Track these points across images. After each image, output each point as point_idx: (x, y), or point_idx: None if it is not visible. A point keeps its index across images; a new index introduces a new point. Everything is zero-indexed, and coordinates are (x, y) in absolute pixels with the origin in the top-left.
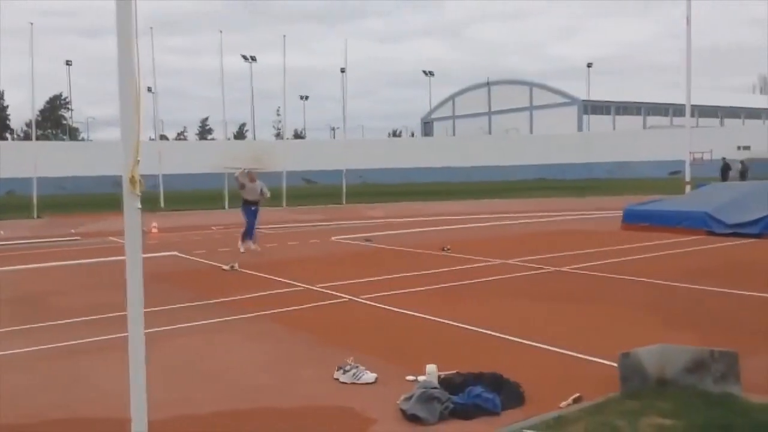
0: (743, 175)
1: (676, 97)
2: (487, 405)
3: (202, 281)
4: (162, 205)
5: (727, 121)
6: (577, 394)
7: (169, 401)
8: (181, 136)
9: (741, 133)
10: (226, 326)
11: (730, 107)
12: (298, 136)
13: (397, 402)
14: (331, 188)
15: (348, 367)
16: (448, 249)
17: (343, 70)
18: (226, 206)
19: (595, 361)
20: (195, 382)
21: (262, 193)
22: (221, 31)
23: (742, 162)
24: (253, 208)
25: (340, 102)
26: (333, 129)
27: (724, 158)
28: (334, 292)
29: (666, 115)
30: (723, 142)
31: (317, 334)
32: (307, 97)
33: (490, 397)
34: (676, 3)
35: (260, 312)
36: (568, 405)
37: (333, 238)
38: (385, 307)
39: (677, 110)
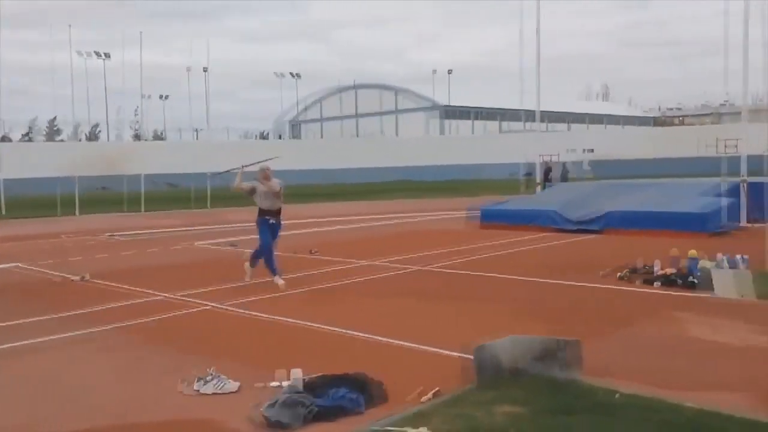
0: (564, 177)
1: (529, 103)
2: (351, 405)
3: (50, 293)
4: (2, 212)
5: (573, 125)
6: (437, 388)
7: (12, 426)
8: (26, 137)
9: (586, 137)
10: (78, 340)
11: (576, 113)
12: (158, 137)
13: (261, 409)
14: (195, 192)
15: (209, 377)
16: (316, 251)
17: (205, 69)
18: (77, 212)
19: (454, 356)
20: (44, 402)
21: (279, 194)
22: (70, 26)
23: (564, 164)
24: (272, 221)
25: (203, 102)
26: (196, 130)
27: (546, 161)
28: (195, 300)
29: (520, 120)
30: (570, 145)
31: (177, 344)
32: (167, 97)
33: (353, 397)
34: (530, 14)
35: (116, 324)
36: (428, 399)
37: (196, 243)
38: (250, 313)
39: (529, 115)
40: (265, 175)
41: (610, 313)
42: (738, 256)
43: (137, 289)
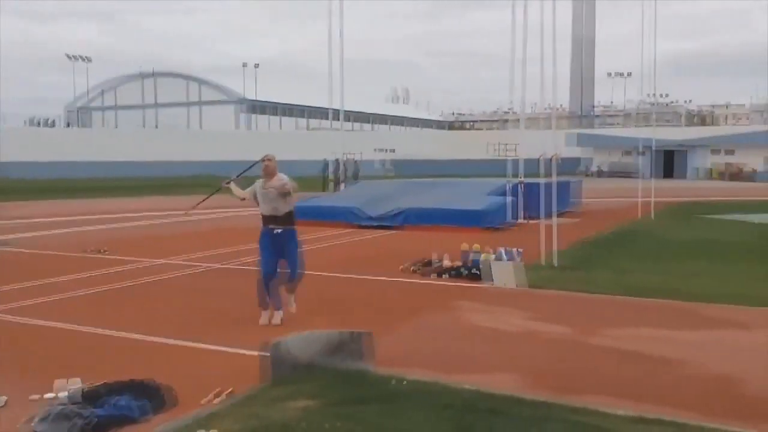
0: (355, 176)
1: (334, 102)
2: (134, 413)
3: None
4: None
5: (375, 126)
6: (230, 389)
7: None
8: None
9: (386, 137)
10: None
11: (379, 114)
12: None
13: (32, 424)
14: None
15: None
16: (106, 250)
17: None
18: None
19: (249, 354)
20: None
21: (285, 192)
22: None
23: (355, 162)
24: (277, 231)
25: None
26: None
27: (337, 159)
28: None
29: (325, 118)
30: (372, 145)
31: None
32: None
33: (137, 404)
34: (339, 15)
35: None
36: (220, 401)
37: None
38: (18, 319)
39: (334, 114)
40: (266, 169)
41: (403, 304)
42: (514, 249)
43: None
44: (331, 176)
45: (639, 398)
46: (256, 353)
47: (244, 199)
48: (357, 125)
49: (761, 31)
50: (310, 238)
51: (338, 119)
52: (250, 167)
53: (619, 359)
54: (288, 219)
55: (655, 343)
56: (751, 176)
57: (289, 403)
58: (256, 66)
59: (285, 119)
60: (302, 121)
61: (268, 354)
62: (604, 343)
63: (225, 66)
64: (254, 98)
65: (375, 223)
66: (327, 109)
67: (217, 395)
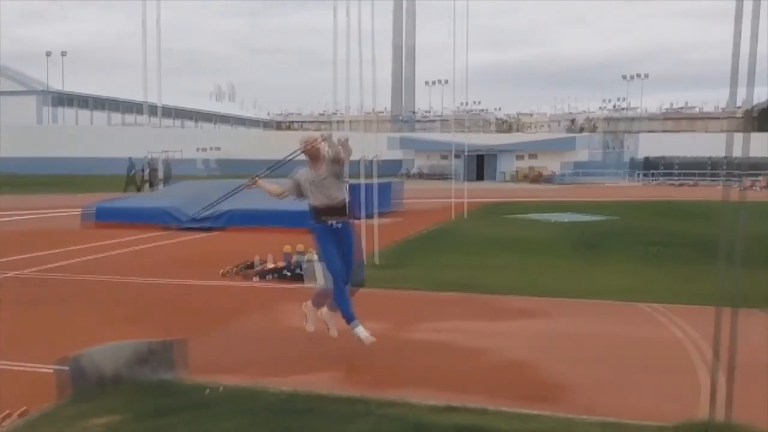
0: (167, 177)
1: (149, 96)
2: None
3: None
4: None
5: (190, 123)
6: (23, 408)
7: None
8: None
9: (203, 135)
10: None
11: (202, 111)
12: None
13: None
14: None
15: None
16: None
17: None
18: None
19: (47, 370)
20: None
21: (337, 161)
22: None
23: (149, 162)
24: (336, 225)
25: None
26: None
27: (130, 158)
28: None
29: (135, 113)
30: (187, 143)
31: None
32: None
33: None
34: (155, 5)
35: None
36: (10, 423)
37: None
38: None
39: (150, 109)
40: (312, 152)
41: (221, 308)
42: None
43: None
44: (143, 176)
45: (444, 387)
46: (52, 368)
47: (282, 194)
48: (178, 122)
49: (563, 47)
50: (120, 242)
51: (154, 114)
52: (283, 163)
53: (429, 352)
54: (344, 209)
55: (461, 335)
56: (551, 179)
57: (89, 420)
58: (48, 54)
59: (96, 113)
60: (116, 116)
61: (68, 368)
62: (415, 336)
63: (19, 53)
64: (54, 89)
65: (195, 225)
66: (138, 103)
67: (6, 417)
